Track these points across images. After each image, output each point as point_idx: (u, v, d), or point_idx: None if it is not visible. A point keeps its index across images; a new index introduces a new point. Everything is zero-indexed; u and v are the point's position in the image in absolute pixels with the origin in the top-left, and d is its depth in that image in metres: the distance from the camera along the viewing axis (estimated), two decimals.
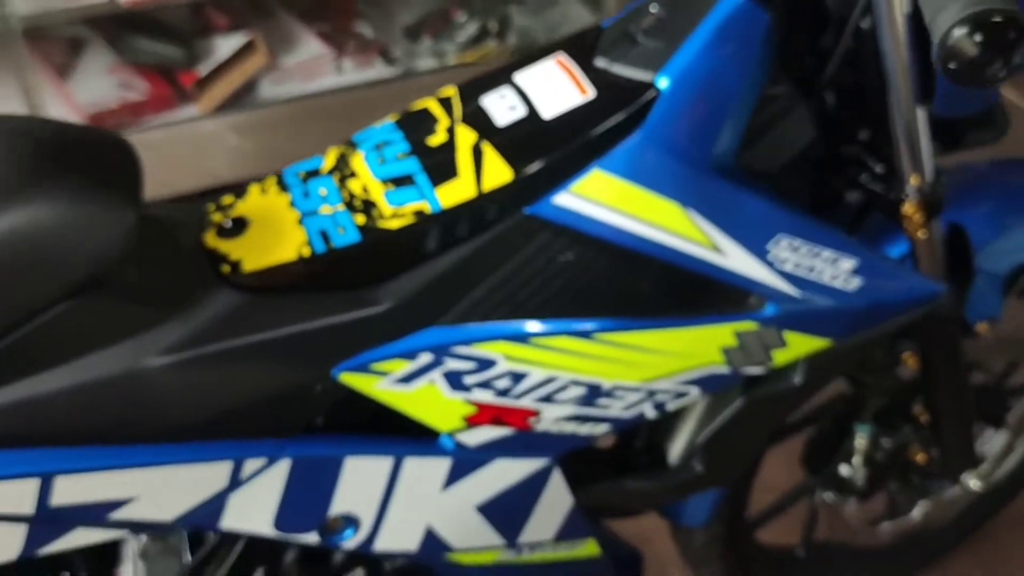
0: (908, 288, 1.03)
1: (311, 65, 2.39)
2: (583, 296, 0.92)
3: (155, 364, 0.84)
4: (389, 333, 0.90)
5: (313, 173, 0.96)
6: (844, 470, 1.30)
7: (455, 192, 0.89)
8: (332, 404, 0.92)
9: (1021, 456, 1.53)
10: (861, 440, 1.28)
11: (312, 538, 0.96)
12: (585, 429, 0.99)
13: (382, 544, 0.99)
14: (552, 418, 0.96)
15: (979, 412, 1.38)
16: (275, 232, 0.91)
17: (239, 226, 0.92)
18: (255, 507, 0.92)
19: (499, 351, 0.91)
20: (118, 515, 0.87)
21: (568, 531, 1.08)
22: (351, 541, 0.98)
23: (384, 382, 0.91)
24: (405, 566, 1.08)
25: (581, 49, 0.95)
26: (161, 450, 0.86)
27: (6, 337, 0.81)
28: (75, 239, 0.79)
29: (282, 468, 0.91)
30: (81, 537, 0.87)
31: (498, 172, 0.89)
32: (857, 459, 1.29)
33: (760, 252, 0.92)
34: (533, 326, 0.91)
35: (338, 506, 0.95)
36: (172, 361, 0.84)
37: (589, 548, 1.12)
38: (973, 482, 1.40)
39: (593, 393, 0.95)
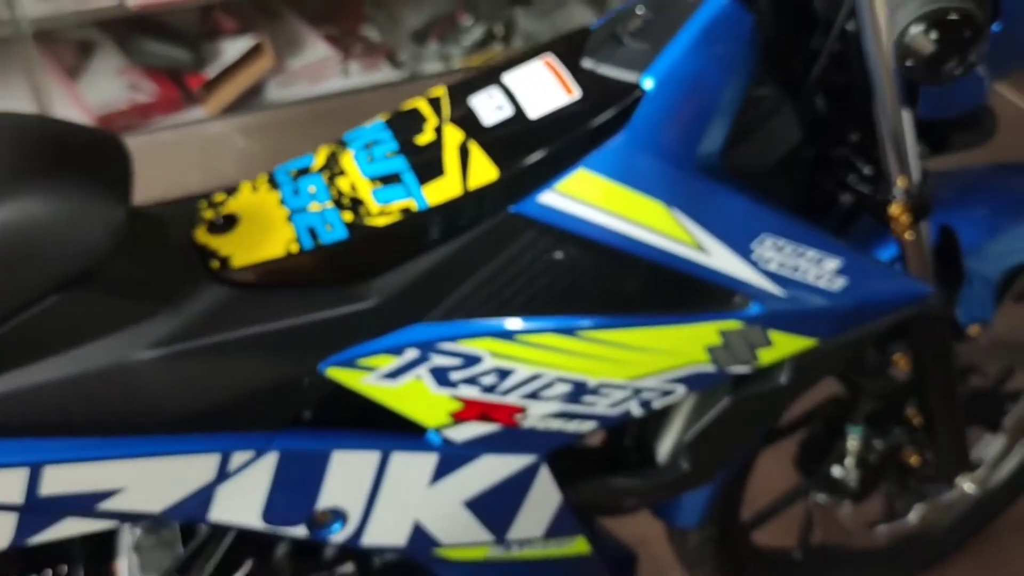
0: (895, 289, 1.03)
1: (318, 68, 2.41)
2: (568, 294, 0.93)
3: (144, 357, 0.85)
4: (375, 329, 0.91)
5: (303, 171, 0.97)
6: (837, 471, 1.30)
7: (441, 190, 0.90)
8: (319, 399, 0.93)
9: (1018, 460, 1.53)
10: (853, 442, 1.28)
11: (300, 531, 0.97)
12: (572, 426, 0.99)
13: (370, 538, 1.00)
14: (538, 415, 0.97)
15: (976, 416, 1.38)
16: (264, 228, 0.92)
17: (229, 222, 0.93)
18: (243, 500, 0.93)
19: (485, 348, 0.92)
20: (107, 505, 0.88)
21: (557, 528, 1.09)
22: (339, 535, 0.99)
23: (370, 377, 0.92)
24: (395, 561, 1.09)
25: (569, 50, 0.96)
26: (149, 442, 0.87)
27: None
28: (65, 233, 0.80)
29: (269, 461, 0.92)
30: (71, 527, 0.89)
31: (484, 171, 0.90)
32: (849, 460, 1.29)
33: (744, 251, 0.93)
34: (518, 323, 0.92)
35: (325, 500, 0.96)
36: (161, 354, 0.86)
37: (579, 546, 1.13)
38: (967, 485, 1.40)
39: (579, 390, 0.96)
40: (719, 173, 0.93)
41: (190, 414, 0.88)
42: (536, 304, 0.92)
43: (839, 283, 0.98)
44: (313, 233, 0.91)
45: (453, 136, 0.93)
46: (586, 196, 0.89)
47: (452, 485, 1.00)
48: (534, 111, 0.92)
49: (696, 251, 0.92)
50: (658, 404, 1.00)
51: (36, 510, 0.86)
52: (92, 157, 0.85)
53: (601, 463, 1.14)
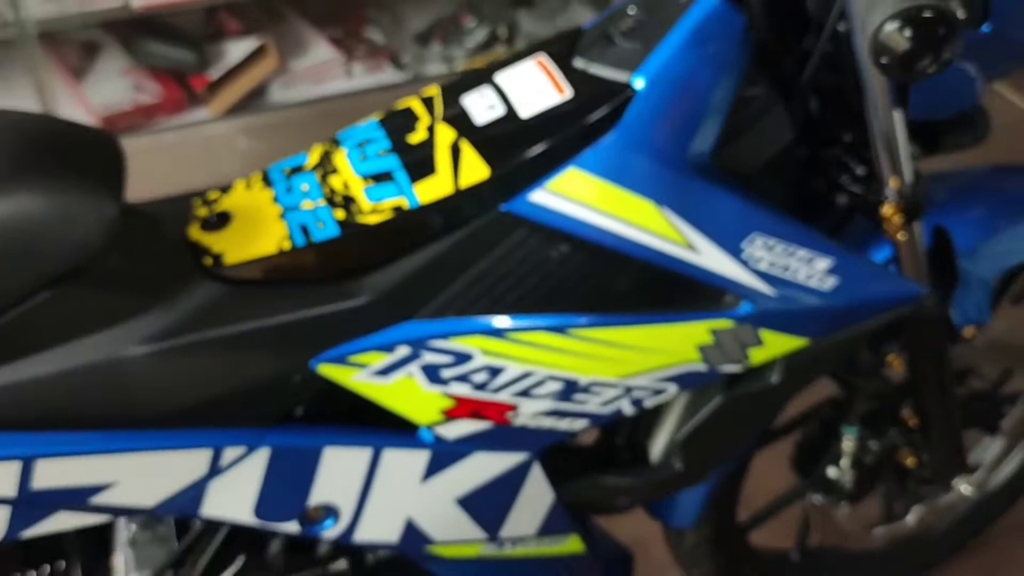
0: (887, 289, 1.03)
1: (321, 69, 2.42)
2: (559, 292, 0.93)
3: (136, 353, 0.86)
4: (367, 326, 0.91)
5: (297, 169, 0.98)
6: (832, 472, 1.30)
7: (433, 188, 0.91)
8: (311, 395, 0.94)
9: (1017, 463, 1.53)
10: (848, 442, 1.28)
11: (292, 527, 0.98)
12: (563, 424, 1.00)
13: (362, 535, 1.01)
14: (530, 413, 0.98)
15: (974, 418, 1.38)
16: (257, 226, 0.93)
17: (222, 220, 0.94)
18: (235, 495, 0.93)
19: (476, 345, 0.93)
20: (99, 499, 0.88)
21: (550, 526, 1.09)
22: (331, 531, 0.99)
23: (362, 374, 0.92)
24: (388, 558, 1.09)
25: (561, 50, 0.96)
26: (142, 436, 0.88)
27: None
28: (57, 229, 0.81)
29: (261, 457, 0.92)
30: (64, 520, 0.89)
31: (475, 169, 0.90)
32: (845, 461, 1.29)
33: (734, 251, 0.93)
34: (509, 321, 0.93)
35: (317, 496, 0.96)
36: (153, 350, 0.86)
37: (573, 544, 1.13)
38: (965, 487, 1.40)
39: (570, 388, 0.97)
40: (710, 173, 0.93)
41: (182, 409, 0.89)
42: (527, 302, 0.93)
43: (830, 283, 0.98)
44: (305, 230, 0.92)
45: (445, 135, 0.93)
46: (577, 195, 0.90)
47: (444, 482, 1.00)
48: (526, 110, 0.92)
49: (686, 250, 0.92)
50: (650, 403, 1.00)
51: (28, 503, 0.86)
52: (85, 154, 0.86)
53: (594, 461, 1.14)
